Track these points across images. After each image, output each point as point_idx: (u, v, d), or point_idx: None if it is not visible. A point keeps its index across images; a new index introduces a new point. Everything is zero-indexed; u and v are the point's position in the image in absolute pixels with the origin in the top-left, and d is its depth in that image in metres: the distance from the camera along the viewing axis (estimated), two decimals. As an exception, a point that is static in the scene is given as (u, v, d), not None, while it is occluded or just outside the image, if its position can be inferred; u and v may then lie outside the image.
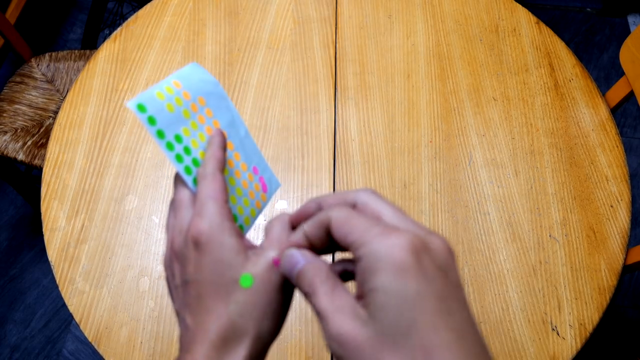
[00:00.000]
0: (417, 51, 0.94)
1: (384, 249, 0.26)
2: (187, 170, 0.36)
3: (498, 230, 0.77)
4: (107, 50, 0.95)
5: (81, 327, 0.69)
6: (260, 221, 0.77)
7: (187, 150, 0.36)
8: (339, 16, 0.99)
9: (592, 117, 0.87)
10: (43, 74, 1.32)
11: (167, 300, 0.71)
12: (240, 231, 0.35)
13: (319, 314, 0.27)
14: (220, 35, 0.96)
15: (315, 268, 0.29)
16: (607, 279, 0.73)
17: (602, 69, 1.89)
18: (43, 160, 0.88)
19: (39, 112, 1.26)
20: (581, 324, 0.70)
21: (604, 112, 0.88)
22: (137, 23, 0.98)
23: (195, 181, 0.36)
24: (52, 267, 0.74)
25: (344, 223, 0.29)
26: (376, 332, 0.25)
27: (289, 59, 0.93)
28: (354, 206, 0.31)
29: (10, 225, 1.59)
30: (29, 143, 1.21)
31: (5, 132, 1.22)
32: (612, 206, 0.79)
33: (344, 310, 0.27)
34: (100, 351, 0.68)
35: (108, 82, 0.91)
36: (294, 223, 0.34)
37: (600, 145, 0.84)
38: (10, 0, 1.75)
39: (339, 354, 0.26)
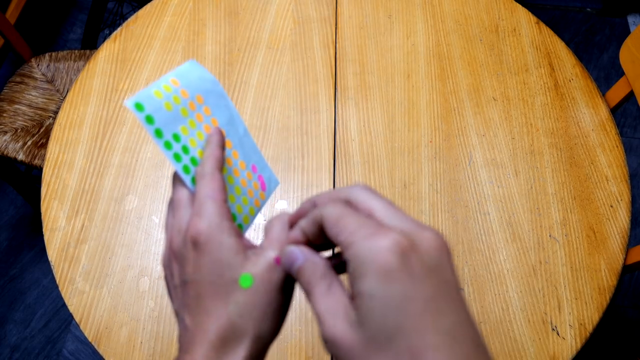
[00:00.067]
0: (417, 51, 0.94)
1: (369, 252, 0.26)
2: (186, 169, 0.35)
3: (498, 230, 0.77)
4: (107, 50, 0.95)
5: (81, 327, 0.69)
6: (260, 221, 0.77)
7: (185, 149, 0.36)
8: (339, 16, 0.98)
9: (592, 117, 0.87)
10: (43, 74, 1.32)
11: (167, 300, 0.71)
12: (240, 230, 0.34)
13: (315, 314, 0.28)
14: (220, 35, 0.96)
15: (312, 266, 0.29)
16: (607, 279, 0.73)
17: (602, 69, 1.89)
18: (43, 160, 0.88)
19: (39, 112, 1.26)
20: (581, 324, 0.70)
21: (604, 112, 0.88)
22: (137, 23, 0.98)
23: (193, 180, 0.35)
24: (52, 267, 0.74)
25: (335, 222, 0.29)
26: (365, 335, 0.25)
27: (289, 59, 0.93)
28: (348, 202, 0.31)
29: (10, 225, 1.59)
30: (29, 143, 1.21)
31: (5, 132, 1.22)
32: (612, 206, 0.79)
33: (337, 312, 0.27)
34: (100, 351, 0.68)
35: (108, 82, 0.91)
36: (293, 223, 0.34)
37: (600, 145, 0.84)
38: (10, 0, 1.75)
39: (334, 354, 0.27)
